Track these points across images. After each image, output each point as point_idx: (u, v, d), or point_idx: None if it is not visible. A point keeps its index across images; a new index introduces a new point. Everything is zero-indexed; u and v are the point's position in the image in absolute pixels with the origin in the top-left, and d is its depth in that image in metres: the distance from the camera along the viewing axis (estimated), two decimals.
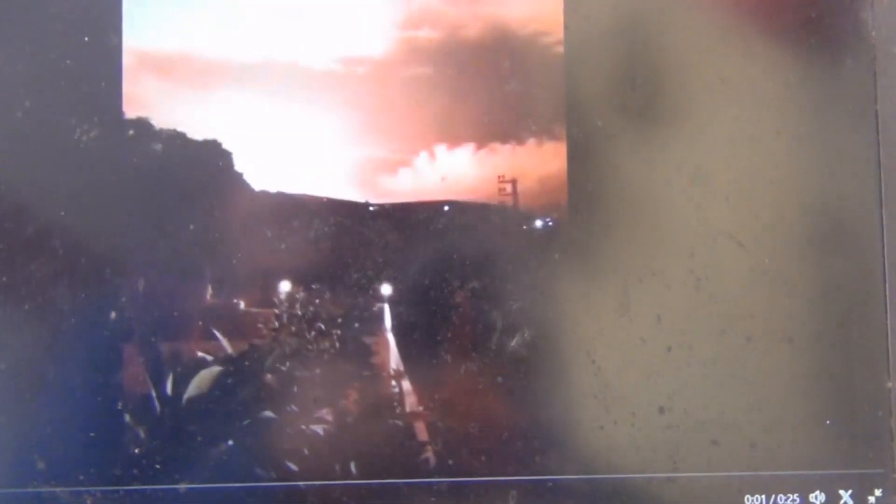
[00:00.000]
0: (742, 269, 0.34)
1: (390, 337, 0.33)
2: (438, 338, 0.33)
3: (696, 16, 0.34)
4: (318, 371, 0.33)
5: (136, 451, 0.33)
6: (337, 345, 0.33)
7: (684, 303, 0.33)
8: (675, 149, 0.34)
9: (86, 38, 0.34)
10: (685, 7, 0.34)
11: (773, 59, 0.34)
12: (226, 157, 0.33)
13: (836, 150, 0.34)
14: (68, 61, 0.34)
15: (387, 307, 0.33)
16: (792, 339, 0.34)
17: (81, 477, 0.33)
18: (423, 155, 0.33)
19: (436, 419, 0.33)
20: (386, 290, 0.33)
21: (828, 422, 0.34)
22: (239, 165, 0.33)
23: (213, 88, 0.33)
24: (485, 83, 0.34)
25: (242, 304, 0.33)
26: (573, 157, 0.34)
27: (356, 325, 0.33)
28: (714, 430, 0.33)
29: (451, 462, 0.33)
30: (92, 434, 0.33)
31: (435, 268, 0.33)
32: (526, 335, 0.33)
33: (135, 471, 0.33)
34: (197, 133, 0.33)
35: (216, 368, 0.33)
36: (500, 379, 0.33)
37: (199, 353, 0.33)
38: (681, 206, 0.34)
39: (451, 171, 0.33)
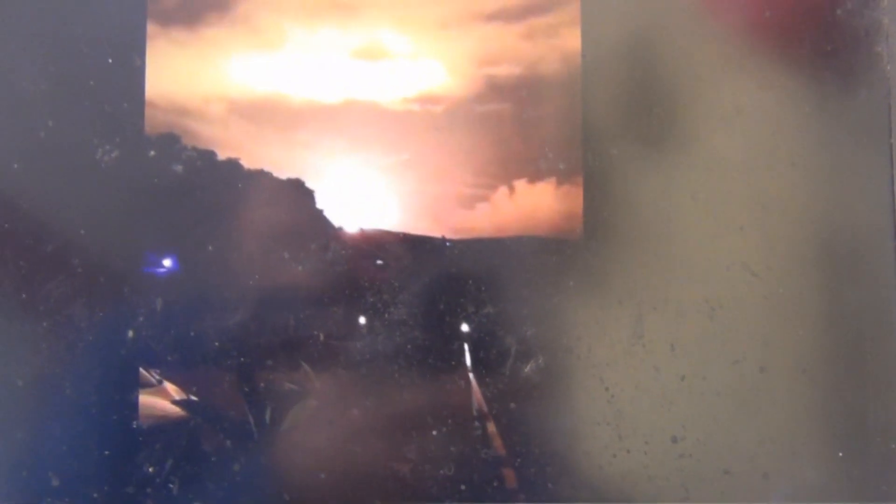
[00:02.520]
0: (756, 299, 0.34)
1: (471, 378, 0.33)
2: (453, 363, 0.33)
3: (711, 46, 0.35)
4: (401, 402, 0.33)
5: (150, 469, 0.33)
6: (419, 381, 0.33)
7: (698, 332, 0.34)
8: (690, 177, 0.34)
9: (109, 60, 0.34)
10: (701, 37, 0.35)
11: (788, 90, 0.35)
12: (308, 195, 0.34)
13: (851, 180, 0.34)
14: (92, 82, 0.34)
15: (466, 346, 0.33)
16: (806, 369, 0.34)
17: (95, 495, 0.33)
18: (503, 190, 0.34)
19: (447, 444, 0.33)
20: (464, 327, 0.33)
21: (841, 454, 0.33)
22: (320, 203, 0.34)
23: (296, 130, 0.34)
24: (564, 117, 0.34)
25: (322, 337, 0.33)
26: (589, 184, 0.34)
27: (436, 362, 0.33)
28: (727, 459, 0.33)
29: (463, 487, 0.33)
30: (106, 452, 0.33)
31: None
32: (540, 361, 0.33)
33: (148, 490, 0.33)
34: (281, 172, 0.34)
35: (309, 401, 0.33)
36: (512, 405, 0.33)
37: (288, 385, 0.33)
38: (695, 235, 0.34)
39: (532, 206, 0.34)
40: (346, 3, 0.34)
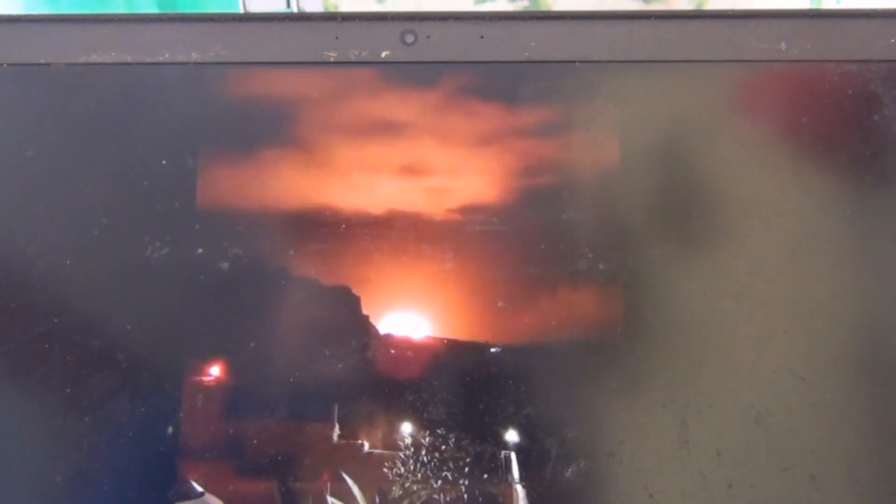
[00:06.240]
0: (804, 405, 0.33)
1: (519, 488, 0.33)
2: (499, 472, 0.33)
3: (751, 151, 0.35)
4: None
5: None
6: (465, 496, 0.33)
7: (745, 438, 0.33)
8: (732, 280, 0.34)
9: (164, 162, 0.36)
10: (741, 143, 0.35)
11: (828, 194, 0.35)
12: (353, 301, 0.34)
13: (895, 282, 0.34)
14: (145, 182, 0.35)
15: (513, 455, 0.33)
16: (858, 479, 0.32)
17: None
18: (545, 294, 0.34)
19: None
20: (511, 436, 0.33)
21: None
22: (366, 309, 0.34)
23: (342, 240, 0.35)
24: (604, 221, 0.35)
25: (367, 446, 0.33)
26: (629, 285, 0.34)
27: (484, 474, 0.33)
28: None
29: None
30: None
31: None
32: (581, 465, 0.33)
33: None
34: (328, 279, 0.34)
35: None
36: None
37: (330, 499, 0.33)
38: (739, 338, 0.34)
39: (576, 311, 0.34)
40: (392, 123, 0.36)
